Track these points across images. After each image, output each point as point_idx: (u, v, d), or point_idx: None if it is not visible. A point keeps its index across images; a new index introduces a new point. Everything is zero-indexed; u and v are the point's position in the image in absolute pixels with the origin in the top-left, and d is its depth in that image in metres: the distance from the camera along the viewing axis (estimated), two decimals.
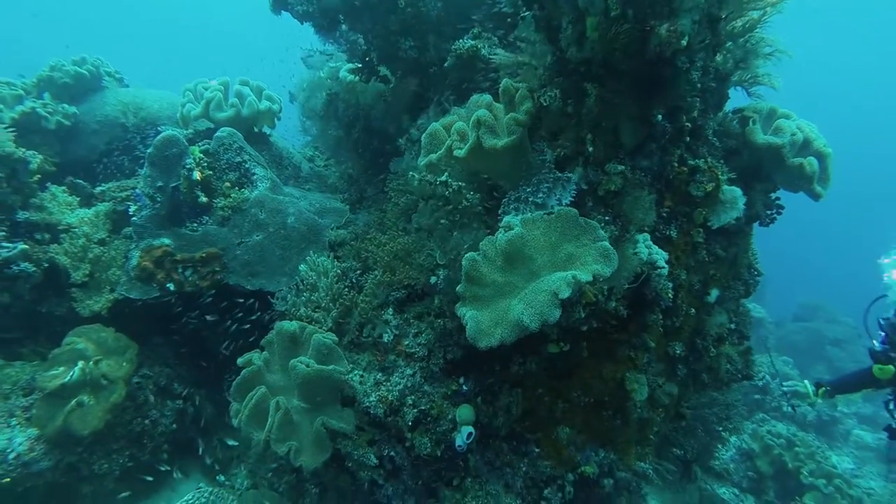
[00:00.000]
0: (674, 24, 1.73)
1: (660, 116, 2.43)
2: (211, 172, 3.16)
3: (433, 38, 3.41)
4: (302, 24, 3.27)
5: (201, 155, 3.17)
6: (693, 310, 3.12)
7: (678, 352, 3.14)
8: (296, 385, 2.64)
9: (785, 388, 4.10)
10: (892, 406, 3.55)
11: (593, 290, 2.30)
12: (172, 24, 34.18)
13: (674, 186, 2.77)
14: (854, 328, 11.81)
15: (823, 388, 3.90)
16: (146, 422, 3.05)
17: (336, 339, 2.80)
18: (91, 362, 2.87)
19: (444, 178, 2.57)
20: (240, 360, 2.79)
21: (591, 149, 2.37)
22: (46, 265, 3.10)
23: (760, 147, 3.02)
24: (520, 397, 2.97)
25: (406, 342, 2.97)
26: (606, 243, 2.19)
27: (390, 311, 3.06)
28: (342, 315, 3.00)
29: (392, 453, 2.86)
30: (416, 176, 2.61)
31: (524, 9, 2.47)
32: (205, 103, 3.56)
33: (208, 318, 3.04)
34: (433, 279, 3.00)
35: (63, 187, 3.66)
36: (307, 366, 2.60)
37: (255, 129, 3.85)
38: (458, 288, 2.37)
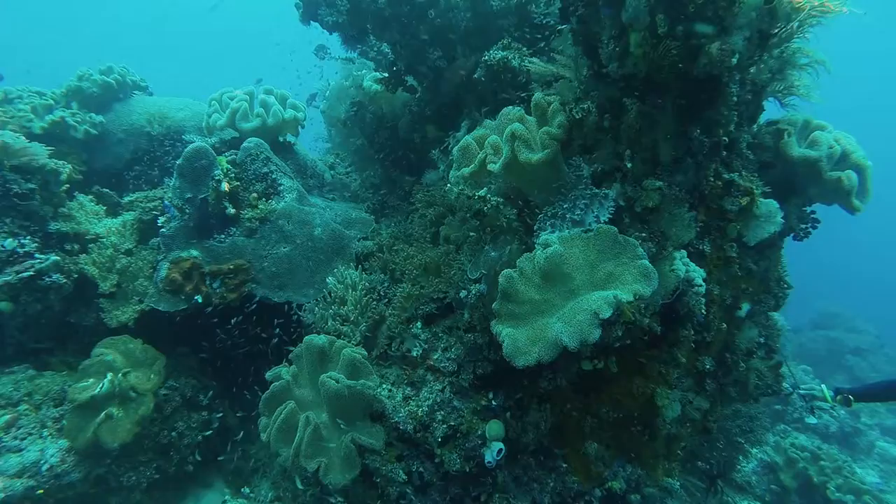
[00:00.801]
0: (725, 42, 1.69)
1: (697, 131, 2.39)
2: (238, 183, 3.16)
3: (461, 49, 3.39)
4: (331, 34, 3.26)
5: (228, 166, 3.17)
6: (724, 324, 3.07)
7: (707, 366, 3.08)
8: (325, 400, 2.62)
9: (802, 391, 4.00)
10: None
11: (631, 308, 2.25)
12: (182, 27, 34.39)
13: (708, 200, 2.72)
14: (876, 337, 11.61)
15: (843, 396, 3.77)
16: (173, 434, 3.04)
17: (365, 353, 2.78)
18: (120, 374, 2.87)
19: (482, 192, 2.54)
20: (268, 374, 2.78)
21: (629, 164, 2.33)
22: (76, 276, 3.11)
23: (796, 160, 2.96)
24: (548, 413, 2.94)
25: (435, 356, 2.94)
26: (647, 262, 2.15)
27: (419, 324, 3.03)
28: (371, 329, 2.98)
29: (421, 469, 2.83)
30: (455, 190, 2.58)
31: (561, 21, 2.43)
32: (230, 113, 3.56)
33: (233, 326, 3.03)
34: (463, 293, 2.97)
35: (90, 196, 3.67)
36: (337, 381, 2.58)
37: (280, 139, 3.84)
38: (493, 305, 2.34)
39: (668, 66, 1.80)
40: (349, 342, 2.91)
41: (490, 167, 2.50)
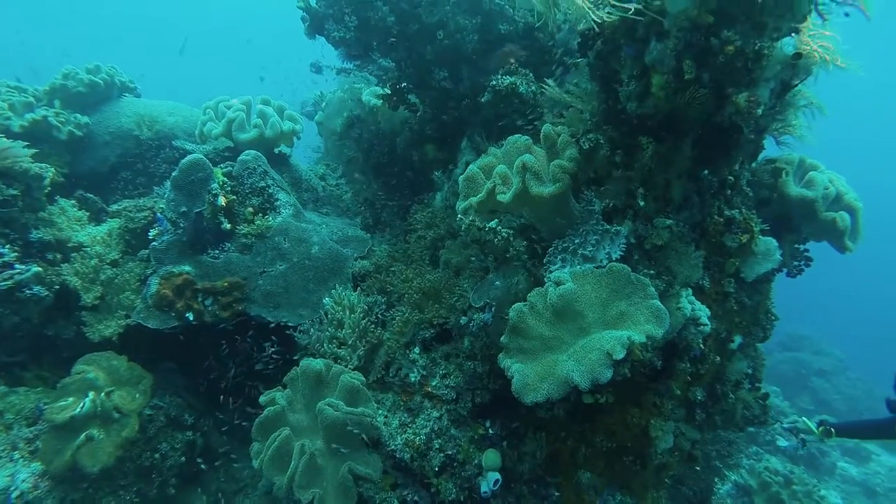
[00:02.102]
0: (753, 93, 1.71)
1: (706, 171, 2.42)
2: (234, 197, 3.06)
3: (467, 70, 3.37)
4: (336, 49, 3.20)
5: (224, 178, 3.07)
6: (718, 357, 3.11)
7: (699, 397, 3.12)
8: (322, 428, 2.55)
9: (785, 426, 4.08)
10: None
11: (640, 348, 2.26)
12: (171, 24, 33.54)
13: (709, 236, 2.76)
14: (839, 360, 12.02)
15: (825, 428, 3.86)
16: (156, 455, 2.91)
17: (363, 379, 2.71)
18: (102, 394, 2.74)
19: (493, 224, 2.51)
20: (262, 399, 2.68)
21: (642, 203, 2.34)
22: (58, 287, 2.96)
23: (793, 200, 3.03)
24: (544, 441, 2.93)
25: (433, 383, 2.90)
26: (658, 302, 2.16)
27: (417, 349, 2.98)
28: (368, 353, 2.91)
29: (416, 498, 2.77)
30: (465, 221, 2.54)
31: (580, 55, 2.43)
32: (226, 123, 3.46)
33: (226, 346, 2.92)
34: (463, 320, 2.94)
35: (72, 201, 3.51)
36: (335, 409, 2.51)
37: (276, 150, 3.75)
38: (502, 339, 2.31)
39: (695, 111, 1.81)
40: (346, 366, 2.84)
41: (499, 198, 2.47)
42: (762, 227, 2.92)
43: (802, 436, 3.81)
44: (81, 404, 2.69)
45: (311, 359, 2.72)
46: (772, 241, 2.91)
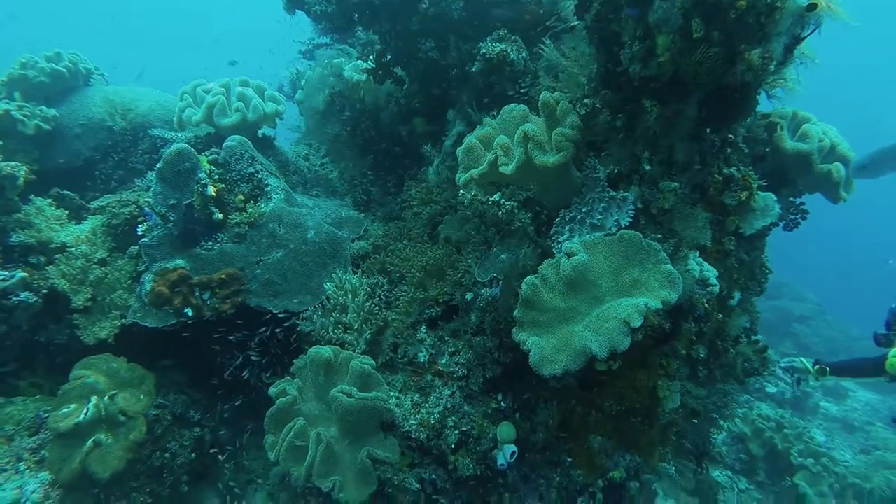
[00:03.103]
0: (767, 49, 1.66)
1: (708, 129, 2.39)
2: (223, 185, 2.94)
3: (454, 39, 3.25)
4: (318, 24, 3.05)
5: (211, 167, 2.94)
6: (720, 315, 3.14)
7: (701, 355, 3.16)
8: (336, 416, 2.52)
9: (782, 364, 4.17)
10: None
11: (654, 314, 2.26)
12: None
13: (709, 195, 2.75)
14: (817, 304, 12.42)
15: (820, 367, 3.94)
16: (166, 455, 2.86)
17: (373, 363, 2.68)
18: (106, 397, 2.66)
19: (496, 197, 2.45)
20: (272, 390, 2.63)
21: (647, 167, 2.30)
22: (46, 292, 2.84)
23: (789, 153, 3.03)
24: (555, 410, 2.95)
25: (443, 361, 2.88)
26: (670, 266, 2.15)
27: (423, 329, 2.95)
28: (374, 336, 2.88)
29: (433, 476, 2.79)
30: (468, 195, 2.48)
31: (577, 17, 2.35)
32: (206, 108, 3.30)
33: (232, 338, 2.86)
34: (469, 295, 2.91)
35: (48, 199, 3.35)
36: (349, 395, 2.48)
37: (259, 133, 3.61)
38: (515, 313, 2.28)
39: (705, 72, 1.76)
40: (353, 351, 2.80)
41: (502, 169, 2.42)
42: (760, 182, 2.92)
43: (798, 375, 3.89)
44: (85, 410, 2.61)
45: (319, 347, 2.67)
46: (770, 197, 2.91)
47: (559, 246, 2.38)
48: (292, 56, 5.66)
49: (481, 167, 2.50)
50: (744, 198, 2.82)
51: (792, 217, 3.27)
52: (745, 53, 1.69)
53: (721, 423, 4.90)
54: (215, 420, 3.23)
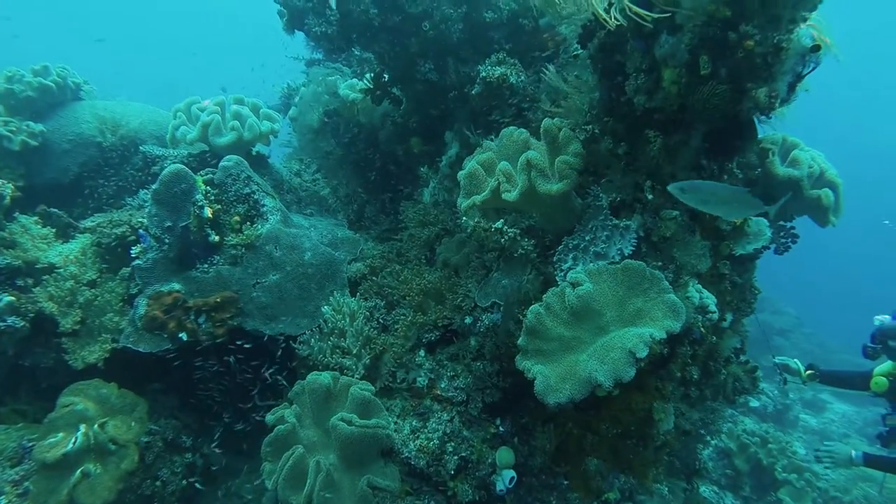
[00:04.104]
0: (773, 88, 1.70)
1: (705, 160, 2.43)
2: (219, 206, 2.90)
3: (452, 62, 3.27)
4: (317, 44, 3.04)
5: (207, 187, 2.90)
6: (714, 337, 3.18)
7: (695, 376, 3.19)
8: (336, 443, 2.48)
9: (777, 361, 4.22)
10: (887, 418, 3.76)
11: (658, 343, 2.27)
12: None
13: (704, 220, 2.79)
14: (796, 318, 12.70)
15: (813, 372, 3.99)
16: (157, 483, 2.78)
17: (373, 389, 2.65)
18: (96, 425, 2.58)
19: (499, 224, 2.46)
20: (270, 418, 2.59)
21: (650, 196, 2.33)
22: (33, 315, 2.75)
23: (780, 179, 3.10)
24: (552, 433, 2.95)
25: (442, 385, 2.86)
26: (673, 296, 2.17)
27: (422, 353, 2.93)
28: (373, 360, 2.84)
29: (432, 503, 2.75)
30: (471, 221, 2.48)
31: (580, 46, 2.38)
32: (202, 127, 3.25)
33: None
34: (468, 320, 2.90)
35: (34, 217, 3.25)
36: (350, 423, 2.44)
37: (253, 152, 3.57)
38: (519, 341, 2.28)
39: (713, 107, 1.79)
40: (352, 376, 2.76)
41: (505, 196, 2.42)
42: None
43: (785, 375, 3.95)
44: (73, 439, 2.53)
45: (318, 372, 2.63)
46: (763, 222, 2.97)
47: (562, 273, 2.39)
48: (282, 70, 5.64)
49: (484, 193, 2.50)
50: (738, 222, 2.88)
51: (783, 241, 3.35)
52: (752, 91, 1.72)
53: (707, 438, 4.96)
54: (206, 444, 3.15)
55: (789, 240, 3.34)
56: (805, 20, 1.83)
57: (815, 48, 1.71)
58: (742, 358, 3.83)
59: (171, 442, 2.92)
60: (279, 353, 2.82)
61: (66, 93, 3.87)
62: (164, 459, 2.86)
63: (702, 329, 2.81)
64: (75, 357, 2.84)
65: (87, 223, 3.06)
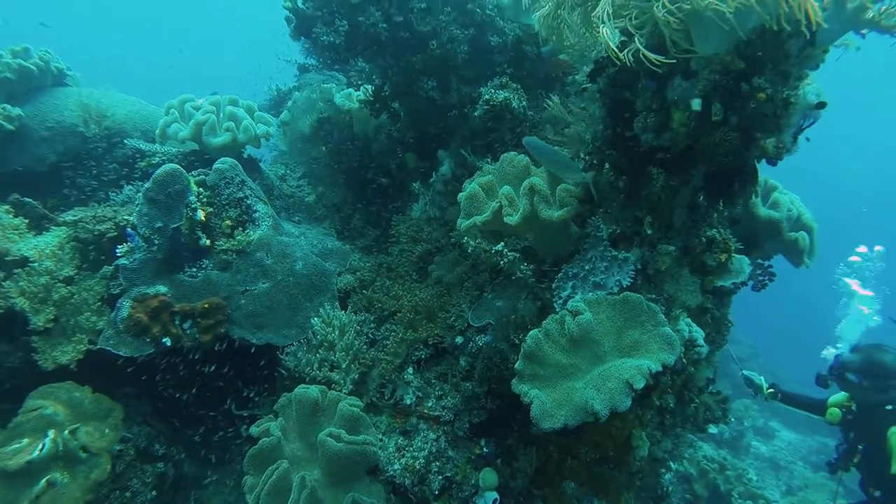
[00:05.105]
0: (780, 139, 1.79)
1: (701, 198, 2.52)
2: (211, 209, 2.82)
3: (455, 81, 3.30)
4: (323, 53, 3.02)
5: (199, 189, 2.82)
6: (692, 368, 3.28)
7: (671, 404, 3.28)
8: (323, 460, 2.43)
9: (744, 373, 4.41)
10: (840, 448, 3.95)
11: (650, 375, 2.33)
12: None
13: (691, 255, 2.89)
14: (751, 347, 13.20)
15: (774, 391, 4.20)
16: (126, 494, 2.65)
17: (361, 405, 2.62)
18: (66, 431, 2.45)
19: (499, 247, 2.48)
20: (254, 430, 2.52)
21: (649, 231, 2.40)
22: (2, 311, 2.60)
23: (762, 220, 3.25)
24: (533, 456, 2.98)
25: (429, 404, 2.85)
26: (669, 329, 2.23)
27: (410, 370, 2.91)
28: (361, 375, 2.81)
29: None
30: (471, 242, 2.50)
31: (589, 81, 2.44)
32: (195, 126, 3.16)
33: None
34: (459, 339, 2.91)
35: (6, 206, 3.09)
36: (337, 439, 2.40)
37: (245, 154, 3.50)
38: (516, 365, 2.30)
39: (721, 152, 1.87)
40: (340, 391, 2.72)
41: (507, 220, 2.46)
42: (737, 245, 3.11)
43: (753, 390, 4.16)
44: (40, 446, 2.40)
45: (306, 386, 2.58)
46: (745, 260, 3.09)
47: (560, 301, 2.42)
48: (268, 72, 5.56)
49: (485, 215, 2.53)
50: (723, 259, 2.98)
51: (760, 278, 3.49)
52: (760, 141, 1.81)
53: (670, 464, 5.10)
54: (179, 453, 3.04)
55: (766, 277, 3.48)
56: (807, 77, 1.94)
57: (821, 105, 1.81)
58: (712, 388, 3.97)
59: (144, 451, 2.80)
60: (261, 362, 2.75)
61: (48, 77, 3.70)
62: (135, 469, 2.74)
63: (684, 360, 2.90)
64: (45, 357, 2.70)
65: (68, 217, 2.93)
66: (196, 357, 2.71)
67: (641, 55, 1.83)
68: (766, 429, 10.79)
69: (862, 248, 8.11)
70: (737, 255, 3.11)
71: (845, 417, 3.94)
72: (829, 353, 3.93)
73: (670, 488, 6.31)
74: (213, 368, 2.78)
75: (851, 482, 4.51)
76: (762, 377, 4.30)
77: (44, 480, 2.37)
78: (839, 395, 4.02)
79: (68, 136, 3.52)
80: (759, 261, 3.55)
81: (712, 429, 8.11)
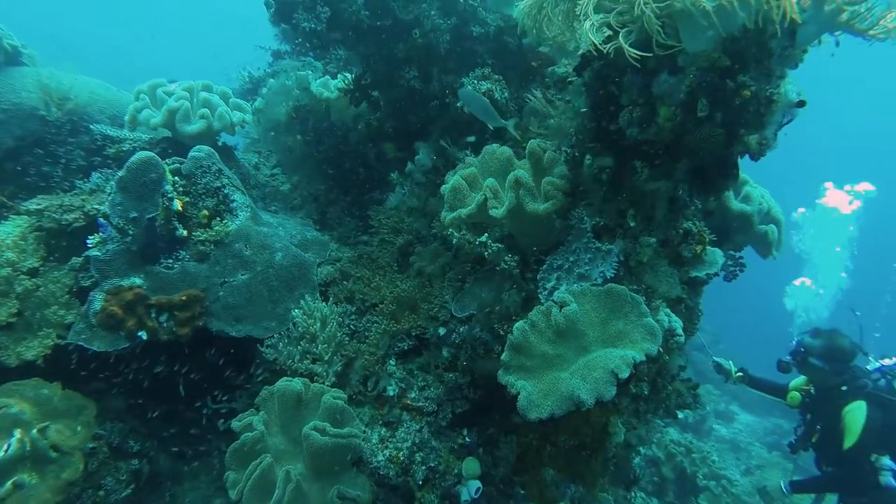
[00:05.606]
0: (763, 136, 1.85)
1: (680, 190, 2.58)
2: (188, 199, 2.73)
3: (437, 71, 3.27)
4: (304, 41, 2.94)
5: (175, 178, 2.73)
6: (667, 356, 3.38)
7: (645, 392, 3.37)
8: (308, 453, 2.40)
9: (715, 359, 4.58)
10: (798, 430, 4.15)
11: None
12: None
13: (668, 247, 2.96)
14: (713, 334, 13.69)
15: (742, 375, 4.39)
16: (99, 493, 2.57)
17: (345, 397, 2.60)
18: (34, 430, 2.35)
19: (483, 238, 2.49)
20: (236, 424, 2.47)
21: (632, 223, 2.44)
22: None
23: (734, 213, 3.35)
24: (514, 444, 3.03)
25: (412, 395, 2.85)
26: (651, 320, 2.29)
27: (393, 361, 2.90)
28: (344, 367, 2.78)
29: None
30: (456, 234, 2.49)
31: (574, 74, 2.46)
32: (168, 112, 3.04)
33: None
34: (442, 330, 2.91)
35: None
36: (322, 432, 2.38)
37: (219, 142, 3.39)
38: (503, 356, 2.32)
39: (707, 148, 1.92)
40: (323, 383, 2.69)
41: (492, 213, 2.46)
42: (711, 237, 3.20)
43: (722, 375, 4.33)
44: (5, 447, 2.29)
45: (289, 379, 2.55)
46: (718, 252, 3.19)
47: (545, 292, 2.45)
48: (241, 58, 5.40)
49: (470, 208, 2.53)
50: (698, 251, 3.06)
51: (732, 269, 3.62)
52: (744, 137, 1.86)
53: (639, 448, 5.26)
54: (154, 448, 2.96)
55: (738, 268, 3.61)
56: (786, 75, 2.00)
57: (801, 103, 1.87)
58: (683, 375, 4.10)
59: (118, 447, 2.71)
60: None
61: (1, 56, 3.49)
62: (109, 466, 2.65)
63: (661, 349, 2.98)
64: (9, 353, 2.57)
65: (31, 205, 2.78)
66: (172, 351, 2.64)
67: (625, 51, 1.86)
68: (726, 412, 11.25)
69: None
70: (710, 247, 3.21)
71: (804, 400, 4.14)
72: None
73: (639, 472, 6.54)
74: (186, 366, 2.71)
75: (805, 462, 4.76)
76: (730, 362, 4.48)
77: (9, 482, 2.26)
78: (799, 380, 4.22)
79: (27, 119, 3.33)
80: (731, 252, 3.67)
81: (679, 413, 8.39)
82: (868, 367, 3.81)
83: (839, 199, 7.95)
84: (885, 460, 3.40)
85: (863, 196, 8.04)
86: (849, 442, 3.51)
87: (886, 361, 3.85)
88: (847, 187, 8.17)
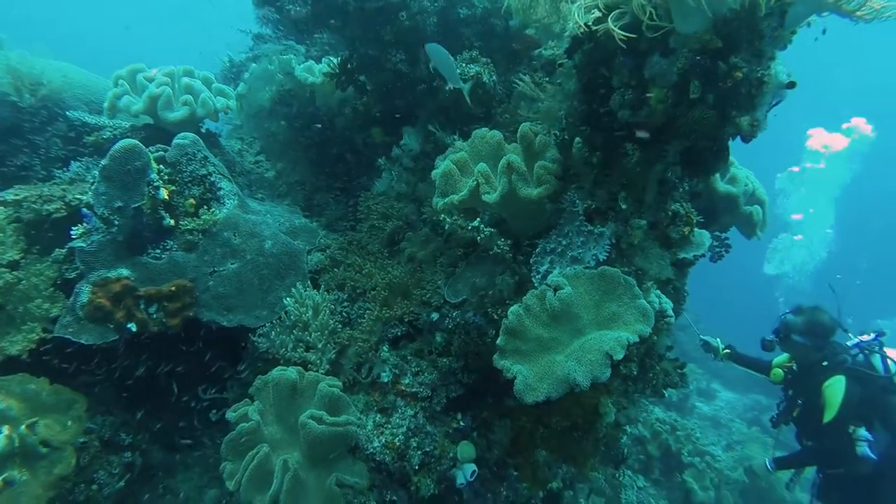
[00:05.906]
0: (755, 117, 1.86)
1: (670, 173, 2.60)
2: (174, 187, 2.67)
3: (424, 55, 3.22)
4: (287, 23, 2.87)
5: (160, 166, 2.66)
6: (655, 337, 3.43)
7: (634, 372, 3.43)
8: (304, 442, 2.40)
9: (703, 337, 4.67)
10: (780, 405, 4.26)
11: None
12: None
13: (657, 229, 3.00)
14: (694, 314, 13.95)
15: (729, 352, 4.49)
16: (92, 487, 2.53)
17: (340, 384, 2.59)
18: (23, 426, 2.30)
19: (476, 223, 2.48)
20: (231, 415, 2.45)
21: (623, 206, 2.46)
22: None
23: (721, 195, 3.39)
24: (508, 427, 3.06)
25: (406, 381, 2.86)
26: (644, 302, 2.32)
27: (386, 348, 2.90)
28: (337, 355, 2.78)
29: (394, 498, 2.75)
30: (448, 219, 2.48)
31: (564, 56, 2.44)
32: (149, 99, 2.95)
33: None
34: (435, 316, 2.91)
35: None
36: (319, 421, 2.37)
37: (203, 129, 3.31)
38: (498, 341, 2.33)
39: (699, 129, 1.93)
40: (317, 371, 2.68)
41: (485, 198, 2.46)
42: (698, 219, 3.24)
43: (710, 352, 4.42)
44: None
45: (283, 367, 2.53)
46: (706, 234, 3.23)
47: (539, 276, 2.46)
48: (224, 44, 5.27)
49: (462, 193, 2.52)
50: (686, 233, 3.10)
51: (717, 250, 3.67)
52: (736, 118, 1.87)
53: (626, 427, 5.37)
54: (146, 440, 2.93)
55: (723, 249, 3.67)
56: (776, 57, 2.02)
57: (791, 84, 1.89)
58: (670, 354, 4.18)
59: (109, 441, 2.68)
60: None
61: None
62: (101, 460, 2.62)
63: (648, 330, 3.02)
64: None
65: (8, 196, 2.70)
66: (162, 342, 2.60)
67: (614, 34, 1.85)
68: (708, 390, 11.51)
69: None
70: (698, 229, 3.25)
71: (786, 376, 4.25)
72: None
73: (626, 451, 6.68)
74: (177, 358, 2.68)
75: (786, 437, 4.89)
76: (717, 339, 4.56)
77: (0, 479, 2.23)
78: (782, 357, 4.33)
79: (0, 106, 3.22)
80: (717, 233, 3.73)
81: (665, 393, 8.54)
82: (847, 343, 3.92)
83: (831, 140, 7.92)
84: (862, 431, 3.51)
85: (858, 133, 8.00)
86: (828, 416, 3.61)
87: (864, 337, 3.96)
88: (844, 125, 8.12)
